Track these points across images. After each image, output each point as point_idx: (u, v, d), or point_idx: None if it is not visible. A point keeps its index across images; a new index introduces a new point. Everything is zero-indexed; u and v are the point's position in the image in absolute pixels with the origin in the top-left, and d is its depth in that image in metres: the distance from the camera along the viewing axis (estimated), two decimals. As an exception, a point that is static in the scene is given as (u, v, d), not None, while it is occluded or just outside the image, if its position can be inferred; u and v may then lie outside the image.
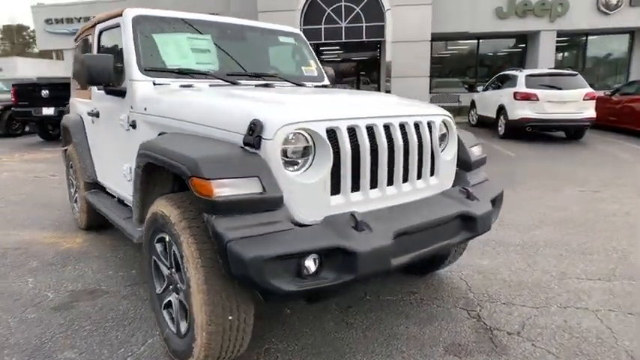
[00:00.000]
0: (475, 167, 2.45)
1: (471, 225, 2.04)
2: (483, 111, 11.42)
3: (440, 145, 2.21)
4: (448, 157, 2.27)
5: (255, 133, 1.64)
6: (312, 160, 1.74)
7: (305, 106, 1.92)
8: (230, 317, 1.69)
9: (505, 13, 15.01)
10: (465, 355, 2.07)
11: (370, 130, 1.87)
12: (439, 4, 14.14)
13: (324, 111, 1.83)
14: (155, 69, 2.57)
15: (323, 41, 15.42)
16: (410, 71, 13.71)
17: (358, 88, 17.71)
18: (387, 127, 1.93)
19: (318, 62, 3.44)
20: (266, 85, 2.77)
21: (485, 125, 11.39)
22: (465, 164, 2.38)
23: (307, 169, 1.73)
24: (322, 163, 1.73)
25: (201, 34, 2.90)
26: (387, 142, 1.92)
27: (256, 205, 1.57)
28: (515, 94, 9.42)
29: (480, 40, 16.66)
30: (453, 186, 2.29)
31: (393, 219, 1.81)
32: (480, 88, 12.86)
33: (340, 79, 17.11)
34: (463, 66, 17.53)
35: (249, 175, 1.57)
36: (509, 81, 10.15)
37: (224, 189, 1.52)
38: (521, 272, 3.01)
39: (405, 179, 2.03)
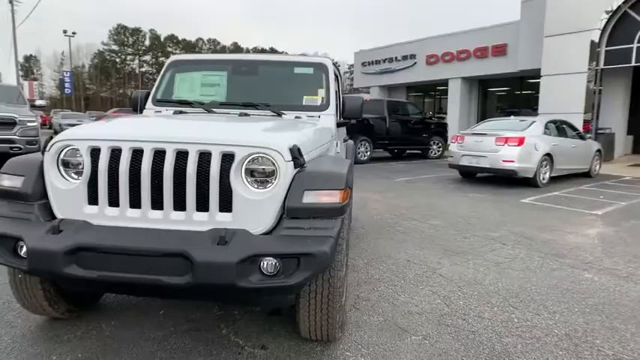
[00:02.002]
0: (301, 214, 1.96)
1: (181, 267, 1.77)
2: None
3: (263, 182, 1.97)
4: (255, 196, 1.96)
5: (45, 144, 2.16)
6: (80, 171, 2.07)
7: (104, 127, 2.24)
8: None
9: None
10: None
11: (137, 152, 1.99)
12: None
13: (107, 131, 2.11)
14: (162, 100, 3.36)
15: (634, 64, 12.28)
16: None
17: None
18: (159, 152, 1.98)
19: (332, 92, 3.32)
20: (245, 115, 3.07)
21: None
22: (287, 209, 1.96)
23: (75, 178, 2.08)
24: (85, 175, 2.04)
25: (220, 71, 3.49)
26: (154, 166, 1.97)
27: (13, 195, 2.09)
28: None
29: None
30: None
31: (96, 236, 1.89)
32: None
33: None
34: None
35: (18, 173, 2.11)
36: None
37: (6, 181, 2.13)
38: None
39: (163, 206, 1.97)
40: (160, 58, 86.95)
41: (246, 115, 2.98)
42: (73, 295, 2.47)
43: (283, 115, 3.10)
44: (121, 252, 1.83)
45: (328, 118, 3.20)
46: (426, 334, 2.52)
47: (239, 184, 1.96)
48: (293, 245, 1.86)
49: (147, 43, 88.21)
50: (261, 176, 2.00)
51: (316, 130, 2.71)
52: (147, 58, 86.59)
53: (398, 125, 13.18)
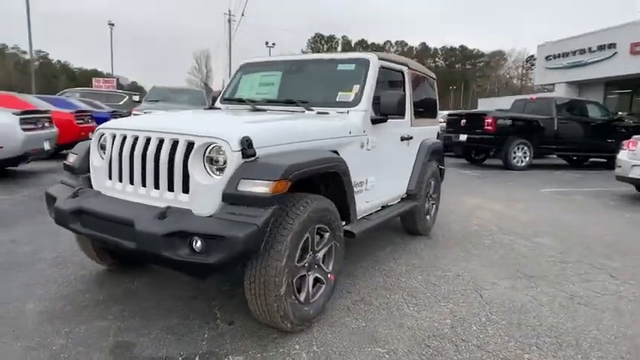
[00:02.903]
0: (236, 201, 2.08)
1: (131, 233, 2.09)
2: None
3: (220, 170, 2.20)
4: (208, 181, 2.17)
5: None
6: (105, 153, 2.64)
7: (127, 120, 2.74)
8: None
9: None
10: None
11: (136, 139, 2.45)
12: None
13: (124, 123, 2.62)
14: (227, 99, 3.84)
15: None
16: None
17: None
18: (148, 140, 2.39)
19: (369, 87, 3.22)
20: (263, 110, 3.33)
21: None
22: (223, 195, 2.11)
23: (103, 158, 2.66)
24: (106, 155, 2.60)
25: (275, 71, 3.78)
26: (144, 150, 2.39)
27: (70, 169, 2.78)
28: None
29: None
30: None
31: (93, 202, 2.38)
32: None
33: None
34: None
35: (75, 152, 2.81)
36: None
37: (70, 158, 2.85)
38: None
39: (150, 184, 2.34)
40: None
41: (263, 110, 3.19)
42: (114, 252, 3.10)
43: (307, 112, 3.19)
44: (99, 216, 2.31)
45: (356, 114, 3.14)
46: (395, 349, 2.30)
47: (196, 169, 2.21)
48: (213, 227, 2.02)
49: (339, 49, 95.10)
50: (217, 164, 2.20)
51: (311, 125, 2.75)
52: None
53: (572, 128, 11.15)
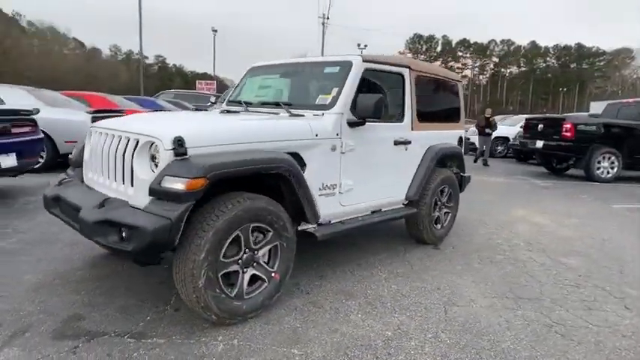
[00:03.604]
0: (160, 196, 2.26)
1: (77, 219, 2.39)
2: None
3: (157, 165, 2.42)
4: (146, 176, 2.39)
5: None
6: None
7: (108, 120, 3.07)
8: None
9: None
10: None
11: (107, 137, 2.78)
12: None
13: (103, 123, 2.96)
14: (231, 101, 4.06)
15: None
16: None
17: None
18: (114, 137, 2.70)
19: (348, 90, 3.19)
20: (247, 112, 3.52)
21: None
22: (149, 190, 2.31)
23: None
24: (87, 151, 2.98)
25: (274, 75, 3.91)
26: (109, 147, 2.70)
27: (70, 162, 3.22)
28: None
29: None
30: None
31: (69, 190, 2.74)
32: None
33: None
34: None
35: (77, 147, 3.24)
36: None
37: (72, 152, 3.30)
38: None
39: (112, 177, 2.64)
40: (450, 63, 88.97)
41: (236, 112, 3.36)
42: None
43: (281, 114, 3.27)
44: (66, 202, 2.67)
45: (329, 117, 3.14)
46: (310, 352, 2.30)
47: (138, 165, 2.44)
48: (131, 218, 2.23)
49: (438, 49, 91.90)
50: (155, 161, 2.41)
51: (265, 127, 2.84)
52: (437, 63, 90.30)
53: (679, 137, 9.56)
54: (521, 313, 2.88)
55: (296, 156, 2.88)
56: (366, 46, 41.89)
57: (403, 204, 3.99)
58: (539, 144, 10.22)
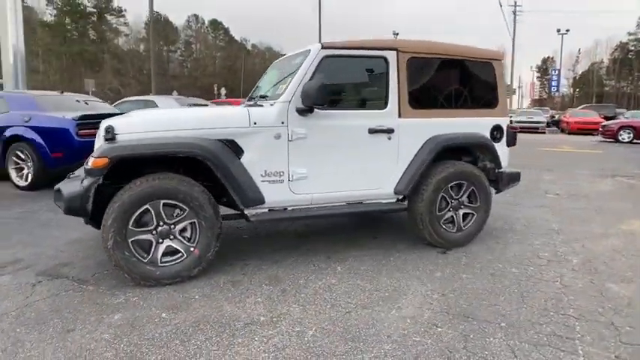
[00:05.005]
0: (85, 172, 2.84)
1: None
2: None
3: None
4: None
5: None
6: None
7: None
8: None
9: None
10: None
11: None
12: None
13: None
14: (250, 97, 4.43)
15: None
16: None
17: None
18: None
19: (298, 79, 3.19)
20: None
21: None
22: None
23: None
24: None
25: (276, 69, 4.12)
26: None
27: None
28: None
29: None
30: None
31: (66, 182, 3.59)
32: None
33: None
34: None
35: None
36: None
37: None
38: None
39: None
40: None
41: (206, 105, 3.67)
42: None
43: (242, 105, 3.49)
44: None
45: (275, 106, 3.22)
46: (179, 321, 2.50)
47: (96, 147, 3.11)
48: (64, 187, 2.91)
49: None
50: None
51: (194, 116, 3.14)
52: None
53: None
54: (462, 333, 2.40)
55: (232, 142, 3.09)
56: (567, 30, 36.04)
57: (398, 198, 3.67)
58: None
